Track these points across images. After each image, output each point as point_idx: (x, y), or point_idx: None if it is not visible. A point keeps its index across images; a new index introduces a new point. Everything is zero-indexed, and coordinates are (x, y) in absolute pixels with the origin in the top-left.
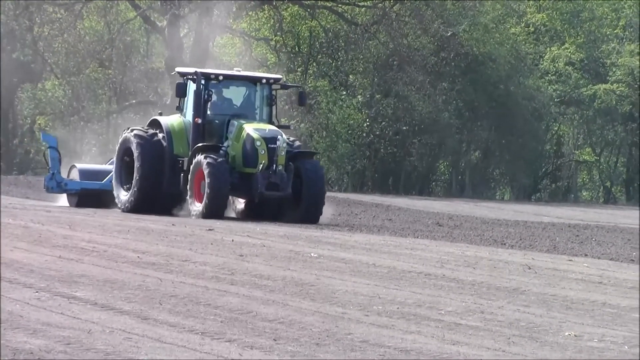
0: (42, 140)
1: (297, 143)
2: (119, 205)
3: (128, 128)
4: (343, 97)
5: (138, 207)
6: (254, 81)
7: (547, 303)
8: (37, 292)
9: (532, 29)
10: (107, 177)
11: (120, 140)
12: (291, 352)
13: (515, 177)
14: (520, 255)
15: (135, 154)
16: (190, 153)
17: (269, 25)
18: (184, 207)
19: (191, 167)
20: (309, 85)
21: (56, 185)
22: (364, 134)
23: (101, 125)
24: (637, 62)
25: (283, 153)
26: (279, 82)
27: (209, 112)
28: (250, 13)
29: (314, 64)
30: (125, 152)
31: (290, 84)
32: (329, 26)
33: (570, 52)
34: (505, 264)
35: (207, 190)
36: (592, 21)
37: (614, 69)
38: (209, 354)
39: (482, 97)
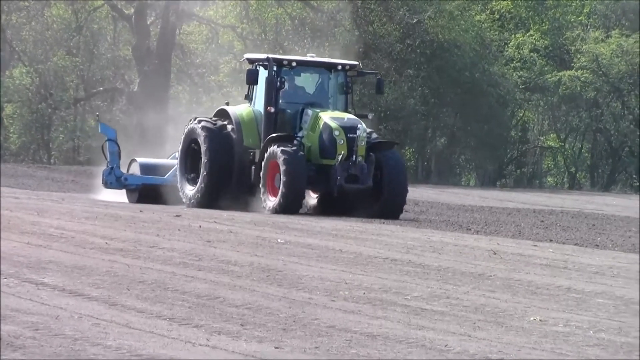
0: (100, 132)
1: (374, 135)
2: (185, 201)
3: (195, 118)
4: None
5: (205, 202)
6: (328, 67)
7: (512, 288)
8: (5, 278)
9: (497, 16)
10: (170, 171)
11: (185, 132)
12: (258, 337)
13: (481, 163)
14: (485, 240)
15: (203, 146)
16: (262, 144)
17: (235, 12)
18: (255, 201)
19: (264, 159)
20: None
21: (115, 181)
22: None
23: (68, 112)
24: (601, 49)
25: (363, 143)
26: (355, 69)
27: (280, 101)
28: (217, 0)
29: (280, 51)
30: (190, 143)
31: (367, 71)
32: (295, 13)
33: (535, 39)
34: (471, 250)
35: (282, 182)
36: (556, 8)
37: (578, 56)
38: (177, 339)
39: (447, 83)
